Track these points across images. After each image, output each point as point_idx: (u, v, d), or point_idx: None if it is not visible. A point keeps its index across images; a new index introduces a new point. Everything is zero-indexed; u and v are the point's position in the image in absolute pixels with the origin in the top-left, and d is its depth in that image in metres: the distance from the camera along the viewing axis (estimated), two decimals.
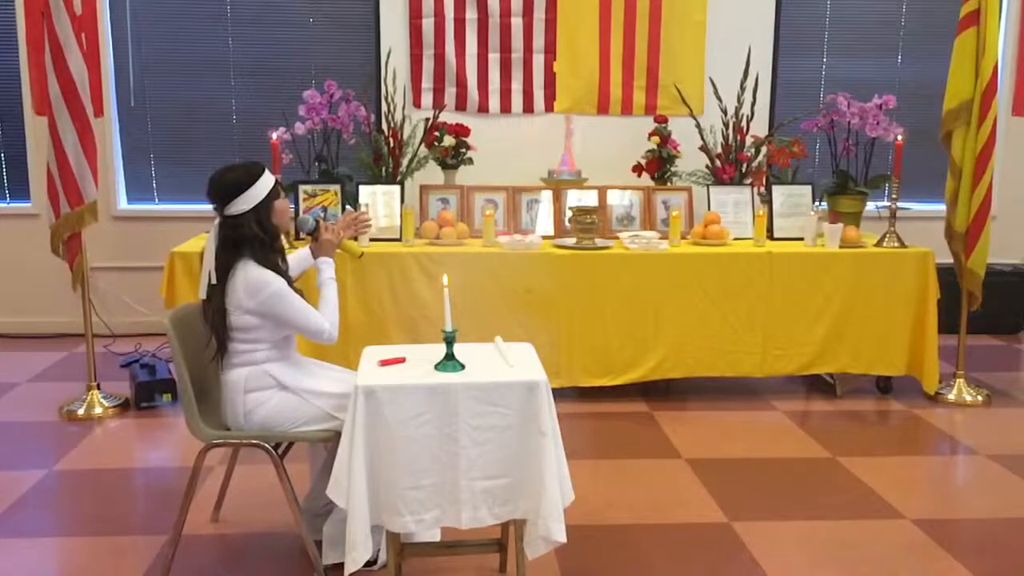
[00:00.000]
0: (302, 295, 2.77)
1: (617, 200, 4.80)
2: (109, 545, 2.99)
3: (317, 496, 2.78)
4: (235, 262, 2.68)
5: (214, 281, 2.68)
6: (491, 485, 2.46)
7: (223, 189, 2.69)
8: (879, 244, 4.54)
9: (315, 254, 2.97)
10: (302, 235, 3.05)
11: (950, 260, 4.57)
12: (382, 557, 2.69)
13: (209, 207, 2.74)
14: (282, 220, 2.79)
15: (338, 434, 2.57)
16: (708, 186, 4.82)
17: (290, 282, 2.75)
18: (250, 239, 2.68)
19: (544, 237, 4.57)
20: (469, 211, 4.71)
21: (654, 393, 4.55)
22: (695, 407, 4.45)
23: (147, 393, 4.31)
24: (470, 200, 4.74)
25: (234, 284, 2.66)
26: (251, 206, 2.68)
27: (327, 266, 2.90)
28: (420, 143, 4.84)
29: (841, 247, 4.47)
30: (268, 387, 2.71)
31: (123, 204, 5.60)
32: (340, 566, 2.47)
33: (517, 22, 5.39)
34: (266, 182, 2.72)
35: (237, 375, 2.71)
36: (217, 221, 2.72)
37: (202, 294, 2.73)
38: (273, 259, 2.72)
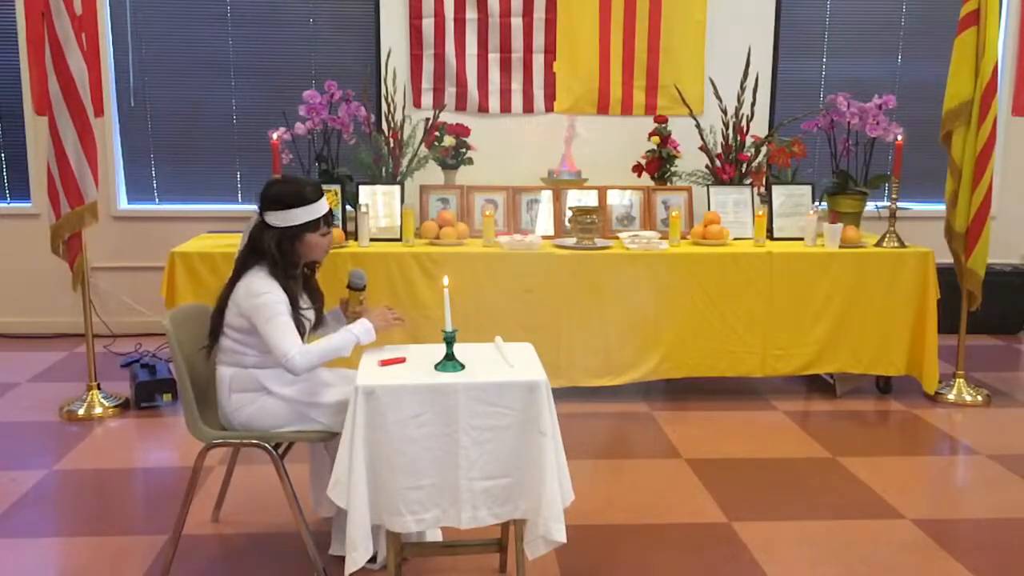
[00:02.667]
0: (303, 318, 2.72)
1: (617, 200, 4.80)
2: (109, 545, 2.99)
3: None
4: (251, 265, 2.69)
5: (230, 274, 2.71)
6: (491, 485, 2.46)
7: (267, 195, 2.70)
8: (879, 244, 4.54)
9: (357, 312, 2.87)
10: (350, 287, 2.95)
11: (950, 260, 4.57)
12: (382, 555, 2.69)
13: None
14: (311, 253, 2.76)
15: (338, 434, 2.57)
16: (708, 186, 4.82)
17: (296, 306, 2.68)
18: (266, 252, 2.67)
19: (544, 237, 4.57)
20: (469, 211, 4.71)
21: (654, 393, 4.55)
22: (695, 407, 4.45)
23: (147, 393, 4.31)
24: (470, 200, 4.74)
25: (240, 284, 2.68)
26: (282, 225, 2.67)
27: (363, 330, 2.71)
28: (420, 143, 4.84)
29: (841, 247, 4.47)
30: (253, 390, 2.71)
31: (123, 204, 5.59)
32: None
33: (517, 22, 5.39)
34: (310, 211, 2.68)
35: (223, 373, 2.73)
36: (253, 219, 2.74)
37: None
38: (284, 280, 2.68)
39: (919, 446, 4.04)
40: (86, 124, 3.97)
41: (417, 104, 5.41)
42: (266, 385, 2.70)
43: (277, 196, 2.68)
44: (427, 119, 4.89)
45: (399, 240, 4.44)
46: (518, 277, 4.26)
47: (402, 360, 2.62)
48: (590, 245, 4.38)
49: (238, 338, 2.69)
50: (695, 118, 4.96)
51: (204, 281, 4.13)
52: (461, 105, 5.44)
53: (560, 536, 2.42)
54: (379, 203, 4.52)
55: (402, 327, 2.90)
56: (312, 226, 2.70)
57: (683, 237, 4.54)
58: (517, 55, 5.43)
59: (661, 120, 5.07)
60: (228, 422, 2.75)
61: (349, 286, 2.92)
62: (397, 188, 4.59)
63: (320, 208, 2.71)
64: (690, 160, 5.02)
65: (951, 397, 4.52)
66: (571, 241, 4.45)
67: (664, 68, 5.46)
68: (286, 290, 2.67)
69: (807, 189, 4.79)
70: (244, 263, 2.71)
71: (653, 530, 3.12)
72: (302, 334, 2.70)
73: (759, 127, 5.13)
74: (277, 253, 2.67)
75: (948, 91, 4.40)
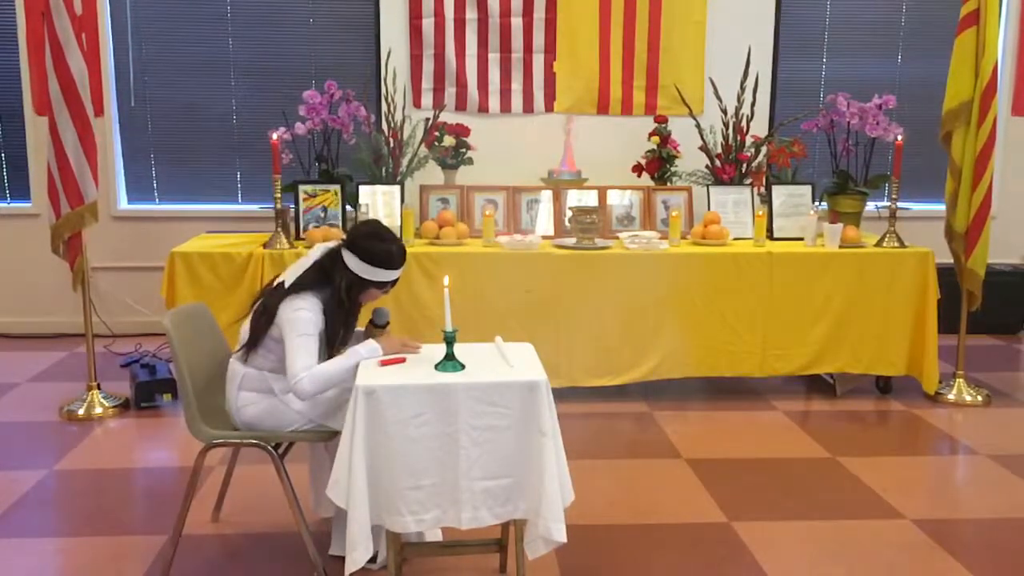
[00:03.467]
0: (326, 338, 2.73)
1: (617, 200, 4.80)
2: (109, 545, 2.99)
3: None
4: (312, 288, 2.67)
5: (287, 285, 2.68)
6: (491, 485, 2.46)
7: (361, 246, 2.69)
8: (879, 244, 4.54)
9: (372, 335, 2.87)
10: (373, 323, 2.96)
11: (950, 260, 4.56)
12: (382, 555, 2.69)
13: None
14: (366, 299, 2.82)
15: (338, 434, 2.57)
16: (708, 186, 4.82)
17: (332, 338, 2.70)
18: (334, 286, 2.68)
19: (544, 237, 4.57)
20: (469, 211, 4.71)
21: (654, 393, 4.55)
22: (695, 407, 4.45)
23: (147, 393, 4.31)
24: (470, 200, 4.74)
25: (293, 299, 2.65)
26: (356, 273, 2.69)
27: (368, 348, 2.63)
28: (420, 143, 4.84)
29: (841, 247, 4.47)
30: (260, 390, 2.72)
31: (123, 204, 5.59)
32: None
33: (517, 22, 5.39)
34: (389, 275, 2.73)
35: (237, 369, 2.74)
36: (334, 245, 2.75)
37: (281, 279, 2.74)
38: (333, 316, 2.68)
39: (919, 446, 4.04)
40: (86, 124, 3.97)
41: (417, 104, 5.41)
42: (273, 387, 2.70)
43: (369, 251, 2.68)
44: (427, 119, 4.89)
45: None
46: (518, 277, 4.26)
47: (402, 360, 2.62)
48: (590, 245, 4.38)
49: (271, 345, 2.69)
50: (695, 118, 4.96)
51: (204, 281, 4.13)
52: (461, 105, 5.44)
53: (560, 536, 2.42)
54: (379, 203, 4.52)
55: (415, 354, 2.74)
56: (382, 285, 2.75)
57: (683, 237, 4.54)
58: (517, 55, 5.43)
59: (661, 120, 5.07)
60: (233, 418, 2.76)
61: (372, 323, 2.92)
62: (397, 188, 4.59)
63: (397, 274, 2.76)
64: (690, 160, 5.02)
65: (951, 397, 4.52)
66: (571, 241, 4.45)
67: (664, 68, 5.46)
68: (330, 325, 2.67)
69: (807, 189, 4.79)
70: (307, 284, 2.68)
71: (653, 530, 3.12)
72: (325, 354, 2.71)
73: (759, 127, 5.13)
74: (346, 295, 2.69)
75: (948, 91, 4.40)
